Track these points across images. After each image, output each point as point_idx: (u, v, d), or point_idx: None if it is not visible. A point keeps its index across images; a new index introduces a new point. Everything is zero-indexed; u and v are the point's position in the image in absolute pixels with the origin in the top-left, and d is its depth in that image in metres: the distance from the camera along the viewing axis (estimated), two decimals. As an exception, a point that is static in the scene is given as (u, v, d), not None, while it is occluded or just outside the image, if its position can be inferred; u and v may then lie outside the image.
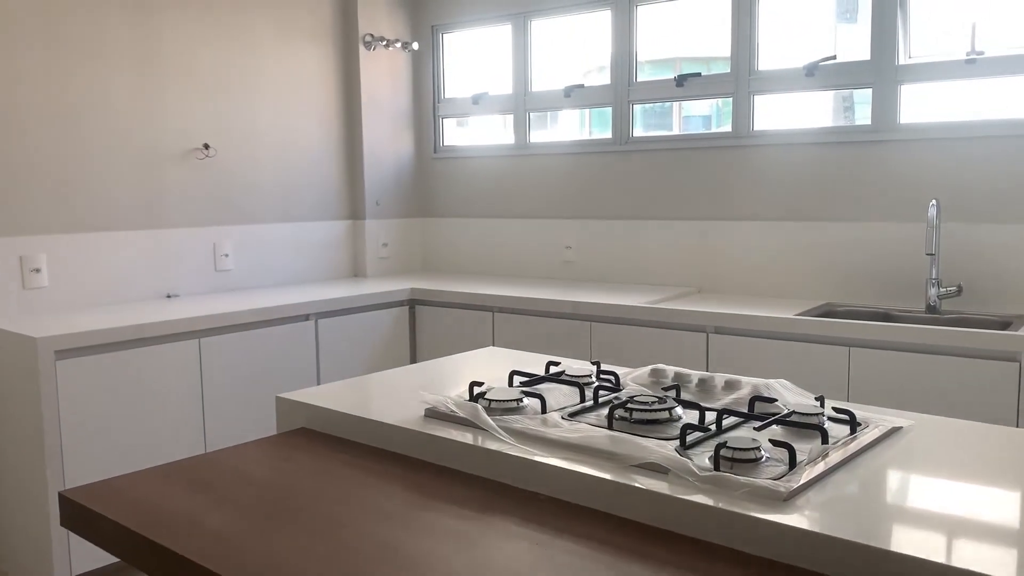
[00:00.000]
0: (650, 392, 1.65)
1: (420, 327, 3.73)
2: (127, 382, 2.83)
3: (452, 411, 1.58)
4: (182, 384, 2.97)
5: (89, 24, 3.22)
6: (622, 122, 3.73)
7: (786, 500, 1.18)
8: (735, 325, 2.90)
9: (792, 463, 1.27)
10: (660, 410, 1.50)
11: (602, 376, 1.81)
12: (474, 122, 4.43)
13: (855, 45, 3.16)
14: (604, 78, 3.78)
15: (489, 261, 4.20)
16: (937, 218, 2.91)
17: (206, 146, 3.59)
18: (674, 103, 3.72)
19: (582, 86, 3.83)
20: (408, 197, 4.37)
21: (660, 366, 1.79)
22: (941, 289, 2.92)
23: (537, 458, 1.38)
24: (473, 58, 4.28)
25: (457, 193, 4.30)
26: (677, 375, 1.76)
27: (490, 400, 1.60)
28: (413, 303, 3.75)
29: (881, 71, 3.09)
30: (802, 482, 1.22)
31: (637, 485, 1.25)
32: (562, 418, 1.54)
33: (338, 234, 4.13)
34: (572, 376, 1.78)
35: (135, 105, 3.37)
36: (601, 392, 1.66)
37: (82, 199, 3.24)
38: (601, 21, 3.76)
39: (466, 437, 1.50)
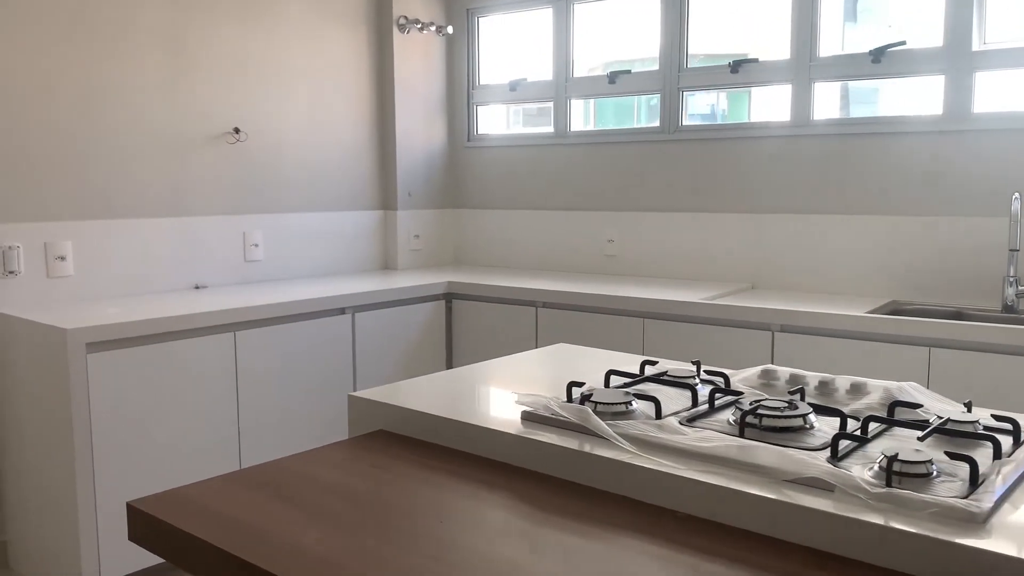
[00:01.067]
0: (775, 396, 1.49)
1: (457, 322, 3.57)
2: (161, 377, 2.66)
3: (556, 414, 1.43)
4: (217, 379, 2.81)
5: (116, 6, 3.05)
6: (671, 110, 3.57)
7: (983, 522, 1.03)
8: (803, 323, 2.74)
9: (974, 479, 1.11)
10: (793, 416, 1.35)
11: (705, 378, 1.65)
12: (500, 111, 4.27)
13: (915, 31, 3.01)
14: (650, 65, 3.62)
15: (524, 255, 4.04)
16: (1022, 212, 2.75)
17: (236, 130, 3.43)
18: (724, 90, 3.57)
19: (629, 72, 3.66)
20: (440, 187, 4.21)
21: (771, 367, 1.64)
22: (1021, 287, 2.77)
23: (668, 470, 1.22)
24: (508, 43, 4.11)
25: (491, 184, 4.14)
26: (792, 377, 1.61)
27: (596, 403, 1.44)
28: (450, 297, 3.59)
29: (956, 57, 2.93)
30: (995, 501, 1.06)
31: (803, 504, 1.09)
32: (680, 423, 1.38)
33: (369, 225, 3.97)
34: (676, 377, 1.62)
35: (162, 88, 3.20)
36: (716, 395, 1.51)
37: (108, 184, 3.07)
38: (648, 4, 3.60)
39: (577, 443, 1.34)
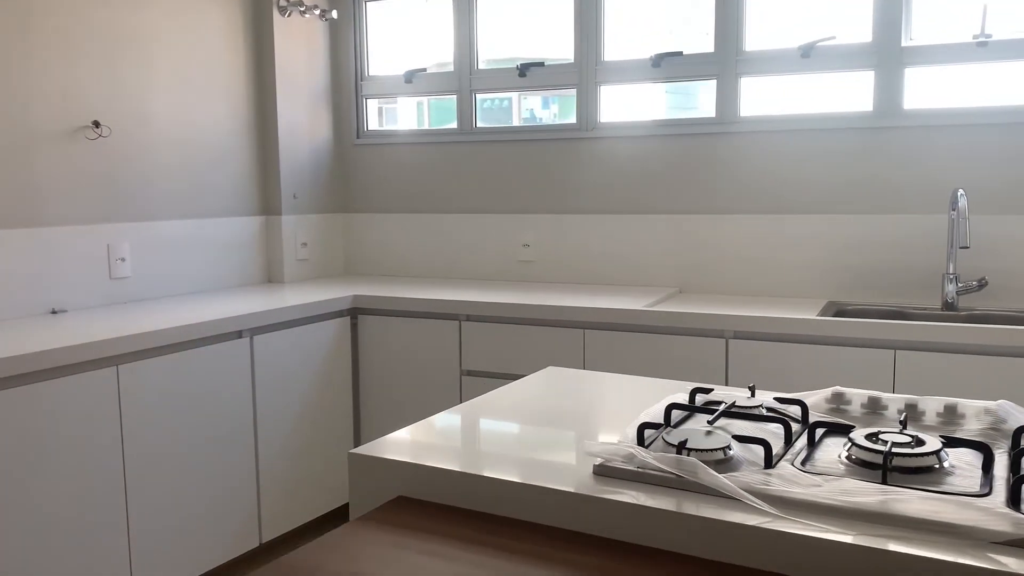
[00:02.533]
0: (875, 425, 1.28)
1: (365, 341, 3.19)
2: (16, 431, 2.13)
3: (647, 467, 1.15)
4: (94, 426, 2.30)
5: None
6: (587, 106, 3.35)
7: None
8: (758, 329, 2.60)
9: None
10: (926, 454, 1.14)
11: (772, 407, 1.42)
12: (409, 106, 3.92)
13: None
14: (567, 56, 3.40)
15: (427, 263, 3.70)
16: (954, 209, 2.74)
17: (96, 124, 2.88)
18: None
19: (543, 64, 3.42)
20: (328, 189, 3.79)
21: (841, 389, 1.43)
22: (960, 284, 2.75)
23: (831, 535, 0.98)
24: (403, 31, 3.76)
25: (386, 185, 3.77)
26: (872, 400, 1.41)
27: (691, 449, 1.18)
28: (356, 312, 3.20)
29: (885, 54, 2.90)
30: None
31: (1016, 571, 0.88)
32: (799, 469, 1.14)
33: (251, 232, 3.50)
34: (744, 408, 1.38)
35: (1, 71, 2.63)
36: (818, 429, 1.28)
37: (-63, 188, 2.47)
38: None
39: (675, 503, 1.07)
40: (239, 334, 2.74)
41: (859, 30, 2.94)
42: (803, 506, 1.05)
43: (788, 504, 1.06)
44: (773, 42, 3.07)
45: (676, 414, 1.37)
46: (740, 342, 2.63)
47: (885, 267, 2.94)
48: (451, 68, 3.60)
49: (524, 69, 3.43)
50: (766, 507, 1.05)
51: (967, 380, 2.37)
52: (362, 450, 1.30)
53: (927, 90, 2.88)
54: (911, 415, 1.37)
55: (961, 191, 2.64)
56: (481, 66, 3.56)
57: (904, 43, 2.88)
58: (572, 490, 1.14)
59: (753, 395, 1.45)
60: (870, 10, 2.91)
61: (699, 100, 3.27)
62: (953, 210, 2.75)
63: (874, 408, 1.40)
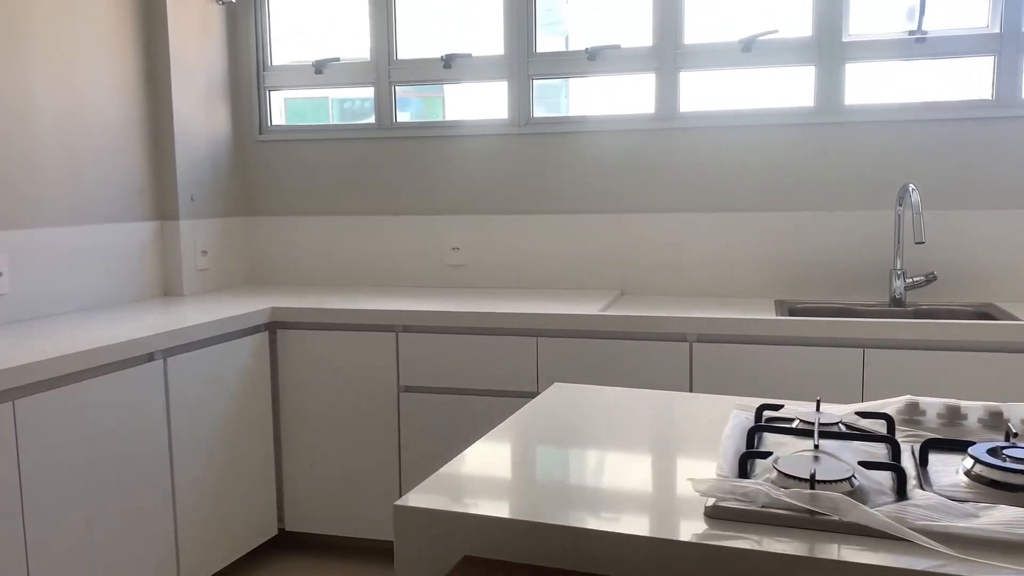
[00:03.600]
0: (1001, 441, 1.17)
1: (286, 358, 2.88)
2: (-95, 485, 1.73)
3: (778, 504, 0.98)
4: (-10, 475, 1.91)
5: None
6: (521, 101, 3.17)
7: None
8: (721, 331, 2.50)
9: None
10: (1064, 470, 1.03)
11: (853, 423, 1.28)
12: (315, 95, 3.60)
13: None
14: (496, 48, 3.20)
15: (342, 270, 3.41)
16: (900, 204, 2.75)
17: (-37, 114, 2.44)
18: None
19: (470, 56, 3.21)
20: (227, 190, 3.43)
21: (915, 398, 1.31)
22: (908, 280, 2.76)
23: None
24: (312, 17, 3.45)
25: (294, 185, 3.45)
26: (949, 410, 1.29)
27: (818, 481, 1.02)
28: (274, 327, 2.89)
29: (826, 49, 2.87)
30: None
31: None
32: (944, 497, 1.00)
33: (144, 240, 3.10)
34: (827, 425, 1.23)
35: None
36: (930, 448, 1.14)
37: None
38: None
39: (854, 552, 0.91)
40: (150, 357, 2.38)
41: (800, 24, 2.91)
42: (973, 542, 0.91)
43: (955, 541, 0.91)
44: (713, 36, 2.99)
45: (772, 438, 1.21)
46: (704, 345, 2.53)
47: (831, 264, 2.91)
48: (367, 58, 3.33)
49: (449, 60, 3.21)
50: (940, 547, 0.90)
51: (930, 376, 2.35)
52: (412, 502, 1.07)
53: (866, 86, 2.88)
54: (995, 423, 1.27)
55: (912, 186, 2.63)
56: (401, 57, 3.31)
57: (845, 38, 2.87)
58: (691, 539, 0.95)
59: (818, 409, 1.31)
60: (811, 4, 2.88)
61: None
62: (900, 205, 2.75)
63: (952, 418, 1.30)
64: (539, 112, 3.18)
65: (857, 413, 1.28)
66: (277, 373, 2.90)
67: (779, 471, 1.04)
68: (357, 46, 3.35)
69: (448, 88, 3.30)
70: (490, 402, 2.71)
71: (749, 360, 2.49)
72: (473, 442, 2.62)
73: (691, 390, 2.54)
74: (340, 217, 3.39)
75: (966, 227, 2.79)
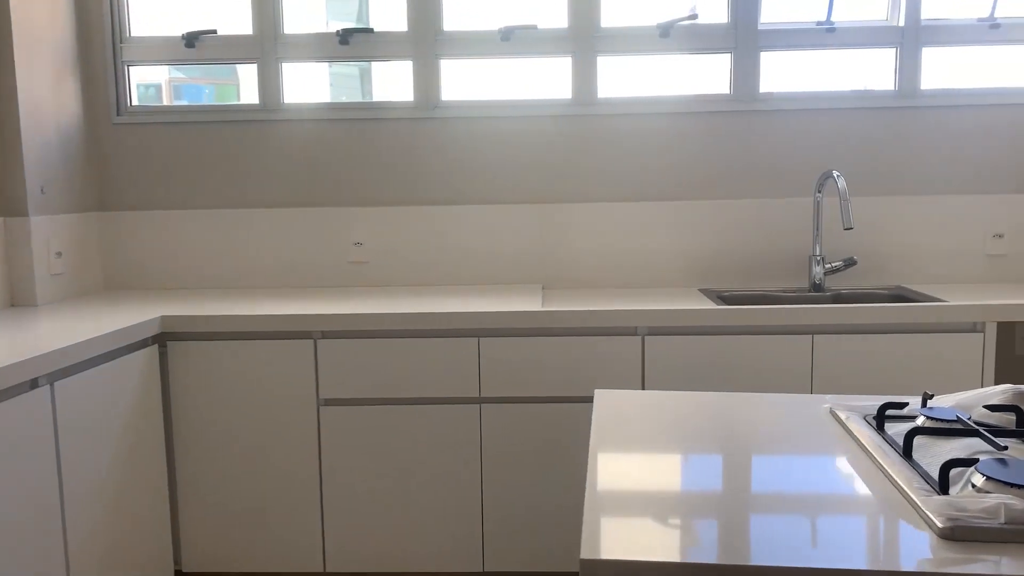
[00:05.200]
0: None
1: (179, 374, 2.49)
2: None
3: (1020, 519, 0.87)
4: None
5: None
6: (429, 82, 2.94)
7: None
8: (669, 323, 2.42)
9: None
10: None
11: (982, 420, 1.21)
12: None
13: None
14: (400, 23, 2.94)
15: (223, 271, 3.02)
16: (819, 192, 2.80)
17: None
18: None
19: (371, 31, 2.92)
20: (83, 181, 2.93)
21: (1021, 387, 1.26)
22: (827, 265, 2.82)
23: None
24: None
25: (160, 175, 3.01)
26: (1056, 397, 1.26)
27: (1036, 489, 0.92)
28: (164, 339, 2.49)
29: (743, 36, 2.87)
30: None
31: None
32: None
33: (-15, 241, 2.57)
34: (962, 421, 1.15)
35: None
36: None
37: None
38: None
39: None
40: (34, 383, 1.95)
41: (716, 11, 2.89)
42: None
43: None
44: (631, 19, 2.91)
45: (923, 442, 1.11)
46: (655, 338, 2.44)
47: (751, 252, 2.92)
48: (250, 31, 2.96)
49: (346, 36, 2.91)
50: None
51: (875, 359, 2.40)
52: (607, 553, 0.86)
53: (781, 74, 2.91)
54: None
55: (837, 173, 2.68)
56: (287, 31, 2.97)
57: (760, 27, 2.88)
58: (949, 570, 0.83)
59: (925, 404, 1.23)
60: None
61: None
62: (819, 192, 2.80)
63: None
64: (448, 96, 2.96)
65: (987, 407, 1.21)
66: (169, 392, 2.50)
67: (990, 478, 0.94)
68: (237, 18, 2.97)
69: (346, 68, 3.00)
70: (428, 411, 2.48)
71: (698, 351, 2.43)
72: (410, 457, 2.38)
73: (643, 385, 2.45)
74: (217, 211, 2.99)
75: (878, 213, 2.89)
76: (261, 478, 2.52)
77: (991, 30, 2.83)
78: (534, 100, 2.93)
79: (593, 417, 1.36)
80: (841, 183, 2.65)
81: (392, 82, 2.99)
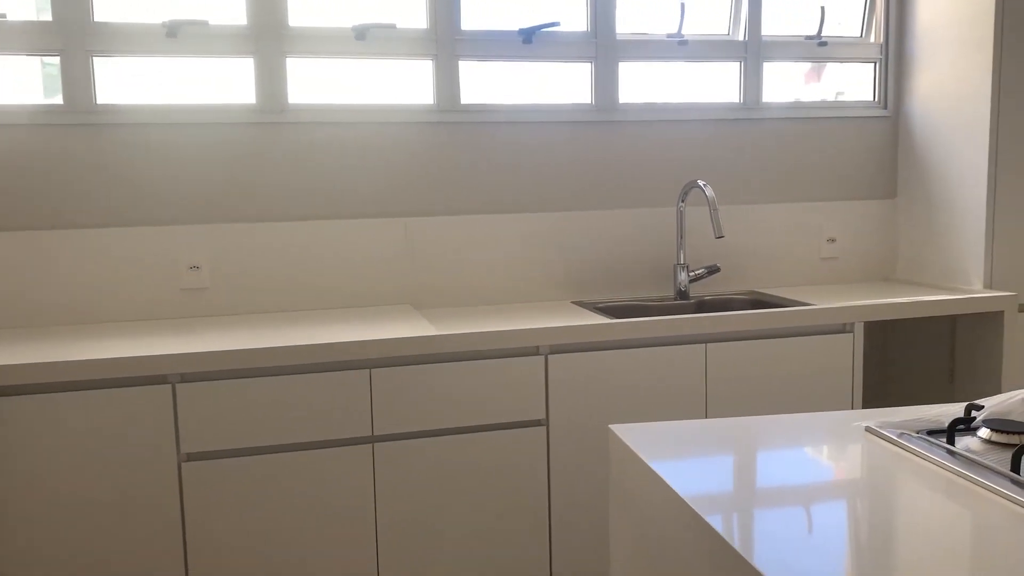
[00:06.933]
0: None
1: (6, 437, 1.99)
2: None
3: None
4: None
5: None
6: (274, 84, 2.61)
7: None
8: (572, 339, 2.33)
9: None
10: None
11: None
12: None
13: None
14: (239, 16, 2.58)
15: (20, 305, 2.47)
16: (683, 201, 2.84)
17: None
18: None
19: (206, 23, 2.54)
20: None
21: (1031, 392, 1.29)
22: (691, 273, 2.86)
23: None
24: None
25: (-72, 191, 2.41)
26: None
27: None
28: (-31, 395, 1.97)
29: (602, 47, 2.84)
30: None
31: None
32: None
33: None
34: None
35: None
36: None
37: None
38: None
39: None
40: None
41: (576, 20, 2.84)
42: None
43: None
44: (494, 23, 2.77)
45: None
46: (558, 356, 2.32)
47: (617, 262, 2.90)
48: (49, 17, 2.45)
49: (174, 29, 2.51)
50: None
51: (769, 363, 2.46)
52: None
53: (636, 85, 2.92)
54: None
55: (702, 182, 2.73)
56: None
57: (618, 37, 2.87)
58: None
59: (968, 414, 1.22)
60: (585, 3, 2.82)
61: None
62: (682, 202, 2.84)
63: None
64: (296, 99, 2.65)
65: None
66: (-26, 463, 1.99)
67: None
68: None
69: (169, 61, 2.58)
70: (311, 458, 2.17)
71: (599, 367, 2.35)
72: (292, 511, 2.10)
73: (547, 405, 2.32)
74: (11, 235, 2.45)
75: (730, 221, 2.98)
76: (113, 552, 2.07)
77: (817, 47, 3.03)
78: (392, 105, 2.70)
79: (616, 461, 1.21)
80: (709, 192, 2.69)
81: (227, 81, 2.62)
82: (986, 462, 1.08)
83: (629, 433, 1.32)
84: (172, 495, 2.10)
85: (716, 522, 0.99)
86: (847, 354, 2.53)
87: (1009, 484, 1.02)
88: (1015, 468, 1.04)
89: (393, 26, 2.65)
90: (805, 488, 1.09)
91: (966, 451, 1.13)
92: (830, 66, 3.12)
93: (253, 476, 2.14)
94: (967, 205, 2.79)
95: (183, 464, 2.11)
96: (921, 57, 2.98)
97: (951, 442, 1.15)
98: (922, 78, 2.98)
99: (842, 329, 2.53)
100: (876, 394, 3.15)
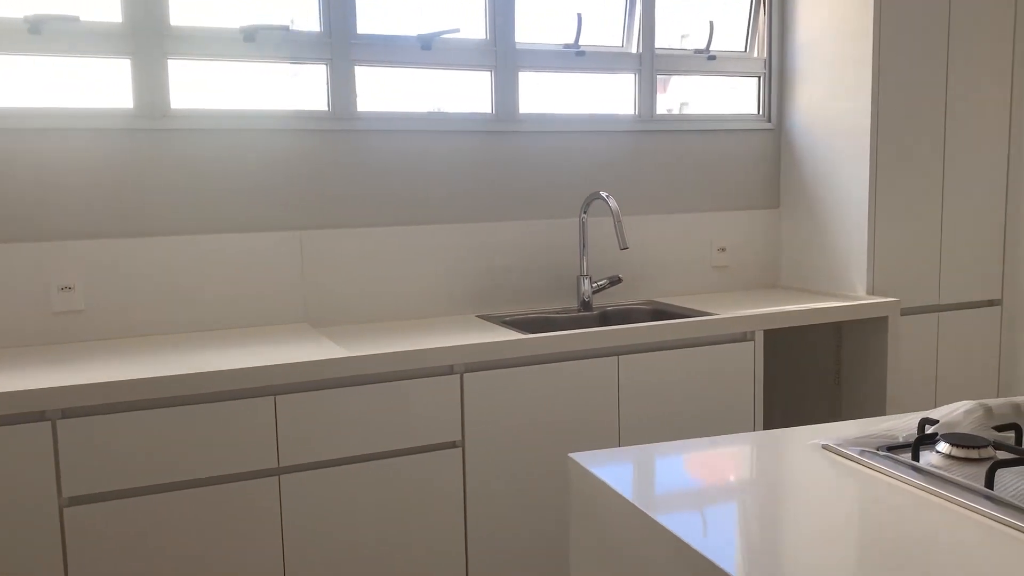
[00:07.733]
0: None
1: None
2: None
3: None
4: None
5: None
6: (155, 86, 2.39)
7: None
8: (487, 357, 2.26)
9: None
10: None
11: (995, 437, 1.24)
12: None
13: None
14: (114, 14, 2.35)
15: None
16: (585, 212, 2.83)
17: None
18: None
19: (77, 19, 2.29)
20: None
21: (984, 402, 1.32)
22: (594, 284, 2.86)
23: None
24: None
25: None
26: (1016, 407, 1.33)
27: None
28: None
29: (502, 56, 2.79)
30: None
31: None
32: None
33: None
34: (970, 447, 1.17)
35: None
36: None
37: None
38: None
39: None
40: None
41: (475, 28, 2.77)
42: None
43: None
44: (392, 29, 2.66)
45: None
46: (474, 375, 2.25)
47: (519, 274, 2.85)
48: None
49: (37, 25, 2.26)
50: None
51: (681, 371, 2.48)
52: None
53: (534, 95, 2.89)
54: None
55: (605, 193, 2.72)
56: (-58, 10, 2.22)
57: (517, 46, 2.82)
58: None
59: (923, 430, 1.24)
60: (484, 11, 2.76)
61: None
62: (585, 213, 2.83)
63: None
64: (179, 103, 2.45)
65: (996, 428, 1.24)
66: None
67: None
68: None
69: (33, 60, 2.33)
70: (210, 495, 2.00)
71: (513, 384, 2.29)
72: (188, 555, 1.96)
73: (463, 425, 2.24)
74: None
75: (632, 231, 2.99)
76: (-26, 620, 1.83)
77: (707, 61, 3.10)
78: (284, 111, 2.55)
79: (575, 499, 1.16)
80: (612, 204, 2.69)
81: (101, 83, 2.39)
82: (956, 478, 1.09)
83: (604, 471, 1.27)
84: (53, 544, 1.88)
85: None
86: (748, 361, 2.58)
87: (983, 500, 1.04)
88: (989, 484, 1.06)
89: (285, 28, 2.50)
90: (789, 515, 1.07)
91: (931, 467, 1.15)
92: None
93: (146, 519, 1.95)
94: (849, 213, 2.93)
95: (65, 509, 1.89)
96: (803, 71, 3.10)
97: (915, 458, 1.17)
98: (804, 92, 3.10)
99: (743, 337, 2.58)
100: (766, 399, 3.26)
